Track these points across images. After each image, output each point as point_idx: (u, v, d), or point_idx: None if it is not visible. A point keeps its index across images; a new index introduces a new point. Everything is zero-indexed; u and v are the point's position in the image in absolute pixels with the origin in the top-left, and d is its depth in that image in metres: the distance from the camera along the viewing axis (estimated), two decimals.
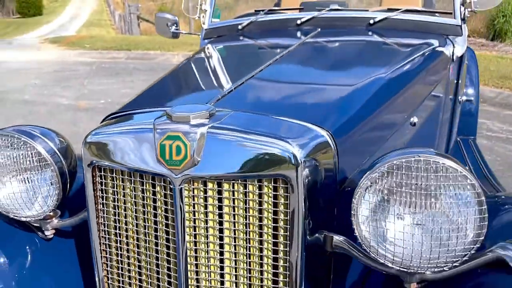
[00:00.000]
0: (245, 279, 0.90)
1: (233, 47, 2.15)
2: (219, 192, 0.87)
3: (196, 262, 0.90)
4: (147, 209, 0.92)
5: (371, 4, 3.77)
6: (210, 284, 0.90)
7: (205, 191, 0.87)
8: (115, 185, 0.95)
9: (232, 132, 0.86)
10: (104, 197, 0.97)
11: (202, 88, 1.31)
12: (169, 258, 0.92)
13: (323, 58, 1.79)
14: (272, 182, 0.85)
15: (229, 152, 0.85)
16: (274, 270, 0.89)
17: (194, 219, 0.89)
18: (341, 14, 2.24)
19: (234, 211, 0.87)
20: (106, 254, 1.01)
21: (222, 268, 0.90)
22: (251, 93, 1.11)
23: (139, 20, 16.59)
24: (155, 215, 0.91)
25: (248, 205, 0.87)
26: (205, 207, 0.88)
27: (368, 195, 0.80)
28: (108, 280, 1.02)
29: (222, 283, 0.91)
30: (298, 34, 2.14)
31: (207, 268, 0.90)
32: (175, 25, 2.53)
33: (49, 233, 1.13)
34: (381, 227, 0.81)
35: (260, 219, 0.87)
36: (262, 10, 2.43)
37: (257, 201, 0.86)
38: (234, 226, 0.88)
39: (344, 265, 0.97)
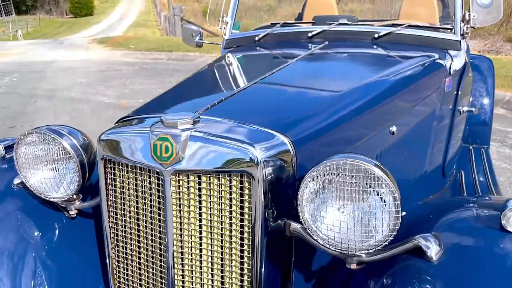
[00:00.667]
0: (218, 254, 1.12)
1: (248, 57, 2.36)
2: (199, 183, 1.09)
3: (181, 239, 1.13)
4: (145, 195, 1.16)
5: (391, 15, 3.90)
6: (191, 251, 1.13)
7: (188, 182, 1.10)
8: (121, 175, 1.19)
9: (210, 136, 1.08)
10: (113, 184, 1.21)
11: (201, 97, 1.54)
12: (160, 235, 1.15)
13: (320, 69, 1.99)
14: (239, 177, 1.06)
15: (206, 152, 1.07)
16: (241, 248, 1.10)
17: (179, 204, 1.11)
18: (349, 28, 2.43)
19: (210, 199, 1.10)
20: (114, 230, 1.25)
21: (201, 244, 1.13)
22: (238, 103, 1.33)
23: (182, 21, 17.14)
24: (150, 200, 1.15)
25: (221, 194, 1.09)
26: (188, 195, 1.10)
27: (308, 189, 1.00)
28: (115, 251, 1.27)
29: (200, 256, 1.13)
30: (309, 45, 2.33)
31: (189, 243, 1.13)
32: (199, 35, 2.80)
33: (73, 212, 1.40)
34: (319, 215, 1.01)
35: (231, 206, 1.09)
36: (278, 23, 2.65)
37: (228, 191, 1.08)
38: (210, 211, 1.10)
39: (303, 248, 1.17)
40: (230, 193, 1.08)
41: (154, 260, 1.18)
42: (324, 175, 0.99)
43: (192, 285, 1.15)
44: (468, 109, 2.44)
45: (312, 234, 1.03)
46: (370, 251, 1.00)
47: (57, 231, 1.42)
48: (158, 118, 1.14)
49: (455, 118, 2.37)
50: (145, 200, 1.16)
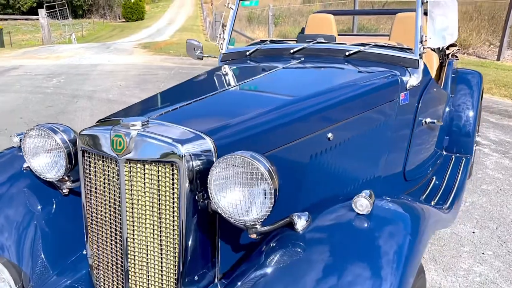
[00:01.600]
0: (158, 226, 1.49)
1: (235, 69, 2.73)
2: (144, 170, 1.47)
3: (132, 211, 1.50)
4: (108, 177, 1.54)
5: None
6: (139, 220, 1.49)
7: (136, 169, 1.48)
8: (94, 162, 1.59)
9: (152, 135, 1.45)
10: (88, 169, 1.61)
11: (164, 103, 1.91)
12: (118, 207, 1.53)
13: (283, 80, 2.31)
14: (171, 167, 1.43)
15: (148, 147, 1.44)
16: (173, 222, 1.47)
17: (131, 185, 1.49)
18: (325, 46, 2.75)
19: (151, 182, 1.47)
20: (89, 205, 1.64)
21: (145, 216, 1.50)
22: (188, 110, 1.69)
23: (223, 27, 17.68)
24: (112, 181, 1.53)
25: (159, 179, 1.46)
26: (136, 178, 1.48)
27: (214, 175, 1.36)
28: (90, 221, 1.66)
29: (145, 225, 1.51)
30: (288, 60, 2.67)
31: (138, 215, 1.50)
32: (200, 49, 3.20)
33: (65, 191, 1.82)
34: (221, 195, 1.36)
35: (165, 189, 1.47)
36: (266, 40, 3.01)
37: (163, 177, 1.46)
38: (151, 191, 1.48)
39: (225, 224, 1.52)
40: (165, 179, 1.46)
41: (115, 226, 1.57)
42: (224, 165, 1.34)
43: (139, 246, 1.52)
44: (431, 120, 2.69)
45: (218, 209, 1.39)
46: (257, 224, 1.35)
47: (54, 205, 1.84)
48: (119, 120, 1.53)
49: (416, 128, 2.63)
50: (109, 181, 1.55)
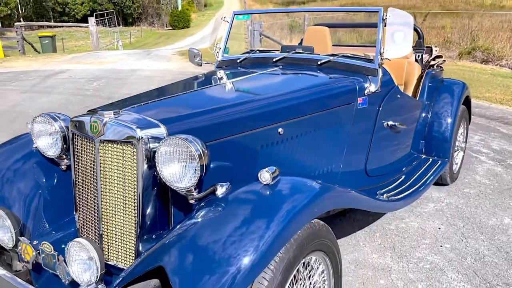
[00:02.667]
0: (122, 195, 1.93)
1: (224, 73, 3.15)
2: (113, 148, 1.91)
3: (105, 180, 1.95)
4: (88, 154, 2.00)
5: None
6: (111, 189, 1.94)
7: (107, 148, 1.92)
8: (80, 143, 2.05)
9: (119, 122, 1.88)
10: (76, 149, 2.07)
11: (143, 98, 2.33)
12: (94, 178, 1.98)
13: (254, 83, 2.72)
14: (132, 146, 1.86)
15: (117, 131, 1.87)
16: (134, 193, 1.90)
17: (104, 161, 1.93)
18: (302, 56, 3.14)
19: (118, 158, 1.91)
20: (77, 177, 2.10)
21: (116, 185, 1.95)
22: (157, 104, 2.13)
23: (261, 36, 18.28)
24: (91, 157, 1.99)
25: (124, 156, 1.90)
26: (107, 155, 1.93)
27: (160, 151, 1.77)
28: (78, 190, 2.10)
29: (116, 194, 1.95)
30: (269, 67, 3.08)
31: (110, 184, 1.95)
32: (199, 57, 3.66)
33: (63, 166, 2.29)
34: (164, 168, 1.78)
35: (130, 164, 1.90)
36: (254, 50, 3.43)
37: (128, 154, 1.89)
38: (118, 166, 1.91)
39: (176, 194, 1.93)
40: (128, 156, 1.89)
41: (92, 195, 2.01)
42: (167, 144, 1.76)
43: (110, 211, 1.96)
44: (393, 123, 3.00)
45: (162, 178, 1.81)
46: (194, 192, 1.76)
47: (55, 178, 2.32)
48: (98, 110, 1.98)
49: (378, 130, 2.95)
50: (88, 157, 2.00)
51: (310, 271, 1.87)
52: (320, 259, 1.90)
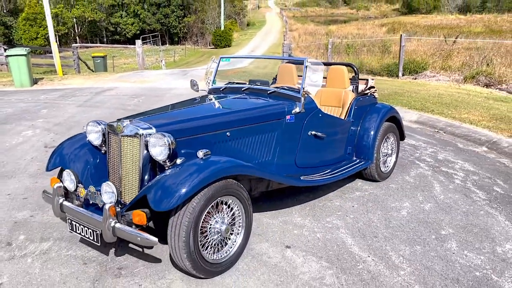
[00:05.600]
0: (131, 169, 3.59)
1: (210, 97, 4.80)
2: (128, 140, 3.58)
3: (124, 158, 3.61)
4: (115, 145, 3.67)
5: None
6: (128, 168, 3.61)
7: (126, 140, 3.58)
8: (111, 138, 3.72)
9: (132, 125, 3.55)
10: (108, 142, 3.74)
11: (152, 111, 4.01)
12: (120, 160, 3.65)
13: (223, 104, 4.35)
14: (138, 139, 3.51)
15: (130, 130, 3.53)
16: (138, 167, 3.55)
17: (124, 146, 3.60)
18: (259, 87, 4.76)
19: (131, 147, 3.57)
20: (109, 159, 3.78)
21: (128, 166, 3.61)
22: (161, 115, 3.80)
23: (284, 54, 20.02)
24: (116, 146, 3.66)
25: (133, 145, 3.55)
26: (126, 144, 3.59)
27: (150, 140, 3.42)
28: (110, 167, 3.80)
29: (130, 172, 3.61)
30: (238, 94, 4.72)
31: (126, 165, 3.61)
32: (196, 86, 5.34)
33: (103, 151, 3.99)
34: (152, 149, 3.41)
35: (136, 150, 3.56)
36: (232, 82, 5.08)
37: (137, 146, 3.55)
38: (131, 148, 3.58)
39: (160, 166, 3.56)
40: (136, 145, 3.54)
41: (117, 165, 3.68)
42: (153, 136, 3.40)
43: (125, 180, 3.62)
44: (315, 133, 4.53)
45: (151, 155, 3.45)
46: (167, 162, 3.39)
47: (98, 158, 4.01)
48: (121, 119, 3.67)
49: (305, 137, 4.49)
50: (115, 145, 3.68)
51: (229, 207, 3.45)
52: (235, 201, 3.47)
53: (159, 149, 3.36)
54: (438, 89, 12.66)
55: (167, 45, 51.41)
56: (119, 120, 3.69)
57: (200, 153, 3.35)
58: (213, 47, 47.89)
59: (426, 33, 33.49)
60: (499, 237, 4.11)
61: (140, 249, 3.80)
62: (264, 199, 4.81)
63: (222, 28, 49.22)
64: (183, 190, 3.02)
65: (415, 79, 15.33)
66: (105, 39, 53.28)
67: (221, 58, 5.28)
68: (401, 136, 5.89)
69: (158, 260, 3.63)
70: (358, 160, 5.18)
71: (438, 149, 7.12)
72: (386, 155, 5.55)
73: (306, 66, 4.40)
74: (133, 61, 33.94)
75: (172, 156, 3.38)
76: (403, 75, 15.74)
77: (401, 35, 15.76)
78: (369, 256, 3.72)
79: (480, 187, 5.41)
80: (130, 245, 3.87)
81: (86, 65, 22.37)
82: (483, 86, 13.46)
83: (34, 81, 15.18)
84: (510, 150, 6.96)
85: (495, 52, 17.63)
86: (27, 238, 4.04)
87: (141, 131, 3.46)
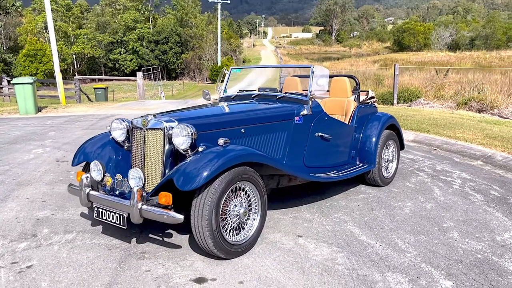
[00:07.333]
0: (155, 159, 3.87)
1: (223, 103, 5.14)
2: (153, 133, 3.87)
3: (148, 150, 3.89)
4: (141, 138, 3.96)
5: None
6: (152, 159, 3.89)
7: (150, 133, 3.87)
8: (136, 132, 4.01)
9: (156, 120, 3.85)
10: (134, 136, 4.02)
11: (175, 109, 4.33)
12: (144, 152, 3.92)
13: (240, 107, 4.68)
14: (162, 132, 3.80)
15: (154, 123, 3.83)
16: (162, 158, 3.83)
17: (148, 139, 3.89)
18: (268, 93, 5.10)
19: (155, 138, 3.86)
20: (133, 153, 4.05)
21: (152, 156, 3.89)
22: (179, 112, 4.09)
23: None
24: (143, 140, 3.94)
25: (157, 137, 3.84)
26: (150, 137, 3.88)
27: (174, 130, 3.70)
28: (133, 160, 4.07)
29: (153, 163, 3.89)
30: (248, 99, 5.06)
31: (151, 155, 3.89)
32: (208, 95, 5.69)
33: (126, 147, 4.26)
34: (175, 139, 3.70)
35: (160, 141, 3.84)
36: (242, 90, 5.43)
37: (159, 136, 3.84)
38: (155, 143, 3.86)
39: (182, 156, 3.84)
40: (160, 137, 3.83)
41: (141, 157, 3.96)
42: (177, 127, 3.69)
43: (149, 168, 3.89)
44: (322, 134, 4.84)
45: (174, 145, 3.73)
46: (188, 151, 3.68)
47: (121, 153, 4.29)
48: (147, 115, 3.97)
49: (312, 137, 4.80)
50: (139, 139, 3.96)
51: (247, 192, 3.71)
52: (251, 187, 3.74)
53: (182, 139, 3.65)
54: (432, 114, 13.11)
55: (165, 80, 52.34)
56: (142, 116, 3.98)
57: (221, 141, 3.64)
58: (210, 82, 48.82)
59: (418, 69, 34.50)
60: (498, 229, 4.37)
61: (160, 238, 4.02)
62: (274, 199, 5.05)
63: (219, 64, 50.36)
64: (206, 173, 3.29)
65: (410, 106, 15.82)
66: (103, 75, 54.22)
67: (232, 69, 5.65)
68: (401, 145, 6.21)
69: (178, 246, 3.85)
70: (361, 164, 5.47)
71: (436, 162, 7.43)
72: (387, 161, 5.85)
73: (313, 72, 4.76)
74: (131, 95, 34.51)
75: (193, 146, 3.66)
76: (397, 103, 16.23)
77: (394, 64, 16.37)
78: (376, 243, 3.96)
79: (477, 191, 5.69)
80: (151, 234, 4.09)
81: (87, 96, 22.82)
82: (476, 111, 13.95)
83: (39, 109, 15.53)
84: (505, 163, 7.27)
85: (486, 81, 18.31)
86: (51, 231, 4.25)
87: (164, 124, 3.76)
